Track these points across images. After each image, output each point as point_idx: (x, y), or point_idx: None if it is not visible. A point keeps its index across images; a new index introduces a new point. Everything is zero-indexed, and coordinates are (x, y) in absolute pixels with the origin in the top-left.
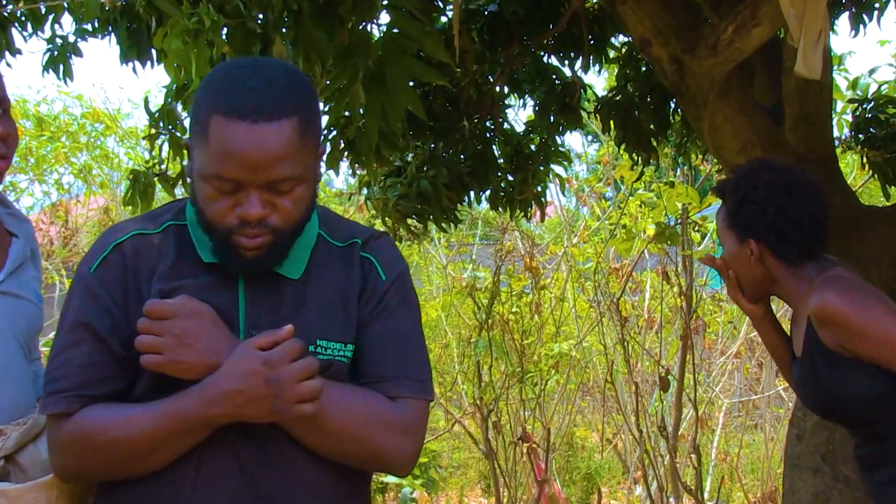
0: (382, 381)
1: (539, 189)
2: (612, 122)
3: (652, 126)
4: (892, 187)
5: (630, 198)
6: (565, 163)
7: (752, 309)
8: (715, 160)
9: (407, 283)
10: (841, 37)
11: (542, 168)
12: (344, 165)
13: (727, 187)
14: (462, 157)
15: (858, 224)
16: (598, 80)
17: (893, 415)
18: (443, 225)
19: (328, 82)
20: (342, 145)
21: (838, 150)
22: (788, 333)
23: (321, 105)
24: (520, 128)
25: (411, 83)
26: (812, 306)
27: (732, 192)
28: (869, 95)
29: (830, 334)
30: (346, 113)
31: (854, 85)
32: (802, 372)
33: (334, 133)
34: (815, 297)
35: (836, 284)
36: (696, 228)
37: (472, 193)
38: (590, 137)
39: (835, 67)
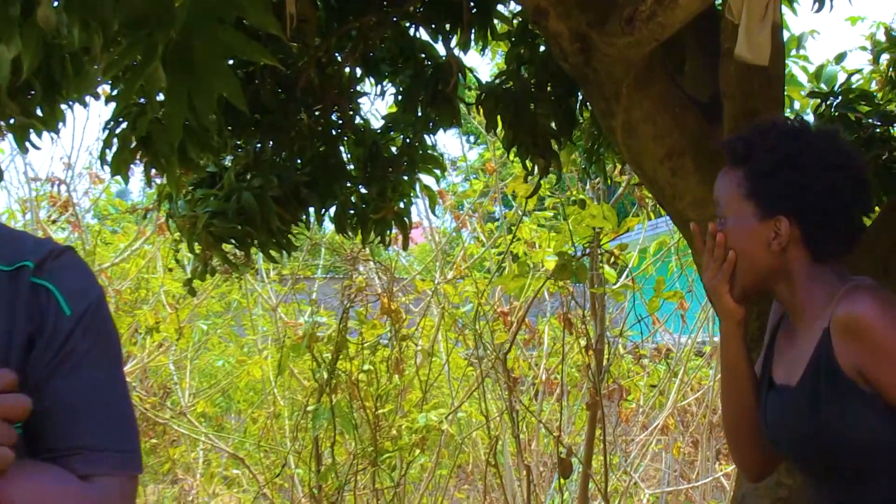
0: (71, 456)
1: (402, 206)
2: (499, 117)
3: (553, 124)
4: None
5: (524, 219)
6: (437, 171)
7: (733, 309)
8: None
9: (101, 316)
10: (800, 12)
11: (406, 178)
12: (137, 170)
13: (757, 141)
14: (299, 161)
15: None
16: (483, 63)
17: (890, 472)
18: (272, 252)
19: (115, 58)
20: (133, 143)
21: None
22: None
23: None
24: (377, 124)
25: (229, 62)
26: (839, 314)
27: (767, 151)
28: (836, 88)
29: (853, 353)
30: (141, 100)
31: (817, 75)
32: (795, 401)
33: (123, 127)
34: (845, 304)
35: (874, 294)
36: (612, 261)
37: (311, 211)
38: (471, 138)
39: (791, 52)
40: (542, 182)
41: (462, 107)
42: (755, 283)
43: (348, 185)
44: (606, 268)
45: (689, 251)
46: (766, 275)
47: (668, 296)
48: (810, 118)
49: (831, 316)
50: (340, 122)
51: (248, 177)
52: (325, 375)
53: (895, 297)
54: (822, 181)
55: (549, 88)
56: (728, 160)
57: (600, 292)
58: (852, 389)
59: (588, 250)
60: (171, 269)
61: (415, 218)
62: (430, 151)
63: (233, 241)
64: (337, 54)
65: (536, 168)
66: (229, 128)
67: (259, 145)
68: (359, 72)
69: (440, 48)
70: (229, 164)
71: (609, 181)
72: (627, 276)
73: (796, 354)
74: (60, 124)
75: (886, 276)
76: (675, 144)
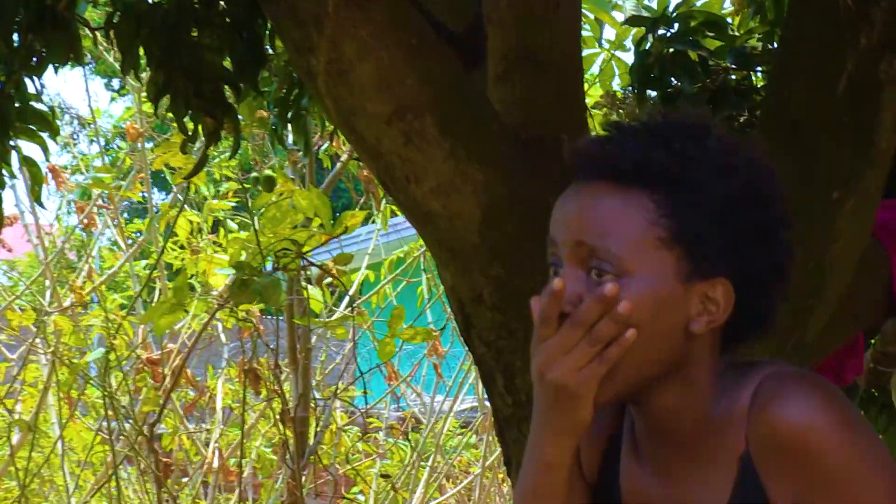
0: None
1: None
2: (142, 50)
3: (228, 63)
4: None
5: (185, 209)
6: (46, 134)
7: (585, 421)
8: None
9: None
10: None
11: None
12: None
13: (694, 154)
14: None
15: None
16: None
17: None
18: None
19: None
20: None
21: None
22: None
23: None
24: None
25: None
26: (769, 426)
27: (719, 174)
28: (669, 11)
29: (791, 484)
30: None
31: None
32: None
33: None
34: (774, 409)
35: (813, 391)
36: (324, 280)
37: None
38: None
39: None
40: (207, 154)
41: (87, 34)
42: (643, 383)
43: None
44: (314, 290)
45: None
46: (660, 367)
47: (408, 336)
48: (630, 57)
49: (749, 432)
50: None
51: None
52: None
53: (839, 391)
54: (776, 232)
55: (221, 5)
56: (616, 171)
57: (305, 323)
58: None
59: (279, 265)
60: None
61: (9, 209)
62: (34, 104)
63: None
64: None
65: (201, 130)
66: None
67: None
68: None
69: None
70: None
71: (319, 153)
72: (350, 304)
73: (691, 501)
74: None
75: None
76: (411, 97)
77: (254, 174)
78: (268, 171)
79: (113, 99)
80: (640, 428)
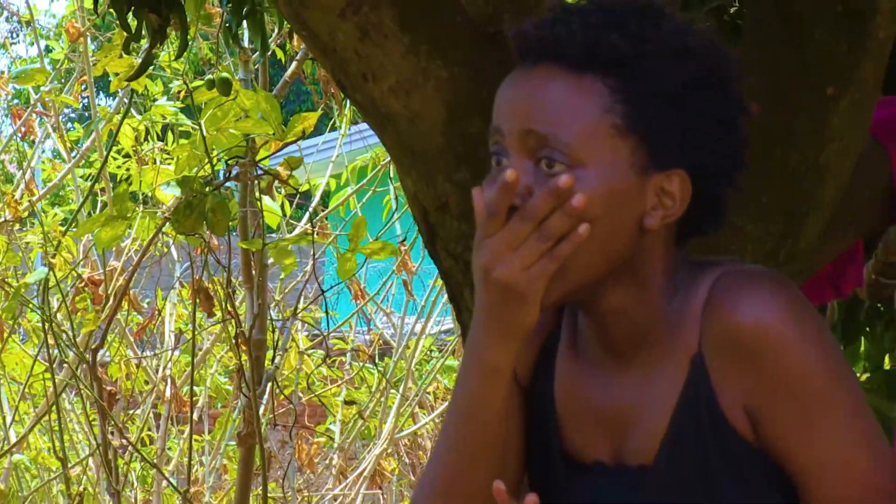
0: None
1: None
2: None
3: None
4: None
5: (130, 116)
6: None
7: (530, 324)
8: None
9: None
10: None
11: None
12: None
13: (649, 36)
14: None
15: None
16: None
17: None
18: None
19: None
20: None
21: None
22: None
23: None
24: None
25: None
26: (723, 323)
27: (675, 57)
28: None
29: (741, 383)
30: None
31: None
32: (661, 492)
33: None
34: (729, 306)
35: (772, 287)
36: (278, 188)
37: None
38: None
39: None
40: (153, 54)
41: None
42: (592, 282)
43: None
44: (269, 202)
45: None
46: (615, 268)
47: (372, 250)
48: None
49: (703, 331)
50: None
51: None
52: None
53: (801, 294)
54: (731, 113)
55: None
56: (567, 55)
57: (255, 248)
58: (743, 448)
59: (232, 173)
60: None
61: None
62: None
63: None
64: None
65: (145, 27)
66: None
67: None
68: None
69: None
70: None
71: (273, 52)
72: (311, 219)
73: (634, 407)
74: None
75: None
76: None
77: (207, 77)
78: (223, 73)
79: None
80: (585, 327)
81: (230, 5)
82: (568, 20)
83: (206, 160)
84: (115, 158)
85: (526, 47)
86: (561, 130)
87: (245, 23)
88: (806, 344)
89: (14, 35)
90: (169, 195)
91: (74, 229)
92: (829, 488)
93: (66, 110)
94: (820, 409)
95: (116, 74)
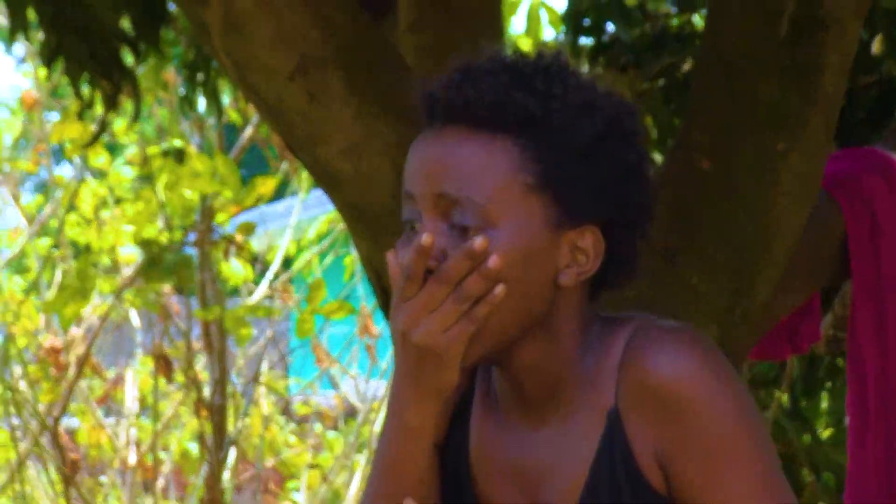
0: None
1: None
2: (33, 10)
3: (127, 18)
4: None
5: (87, 179)
6: None
7: (451, 384)
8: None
9: None
10: None
11: None
12: None
13: (557, 93)
14: None
15: None
16: None
17: None
18: None
19: None
20: None
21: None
22: None
23: None
24: None
25: None
26: (639, 375)
27: (583, 112)
28: None
29: (655, 433)
30: None
31: None
32: None
33: None
34: (645, 359)
35: (683, 341)
36: (235, 252)
37: None
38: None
39: None
40: (105, 120)
41: None
42: (508, 341)
43: None
44: (235, 264)
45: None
46: (531, 327)
47: (330, 310)
48: (561, 2)
49: (619, 385)
50: None
51: None
52: None
53: (717, 348)
54: (638, 163)
55: None
56: (476, 116)
57: (212, 317)
58: (657, 502)
59: (192, 237)
60: None
61: None
62: None
63: None
64: None
65: (99, 95)
66: None
67: None
68: None
69: None
70: None
71: (229, 118)
72: (272, 283)
73: (550, 463)
74: None
75: (669, 265)
76: (313, 50)
77: (164, 145)
78: (175, 141)
79: (18, 65)
80: (500, 383)
81: (185, 73)
82: (475, 80)
83: (162, 219)
84: (78, 225)
85: (434, 109)
86: (473, 192)
87: (200, 90)
88: (720, 398)
89: None
90: (131, 256)
91: (37, 298)
92: None
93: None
94: (726, 460)
95: (73, 140)
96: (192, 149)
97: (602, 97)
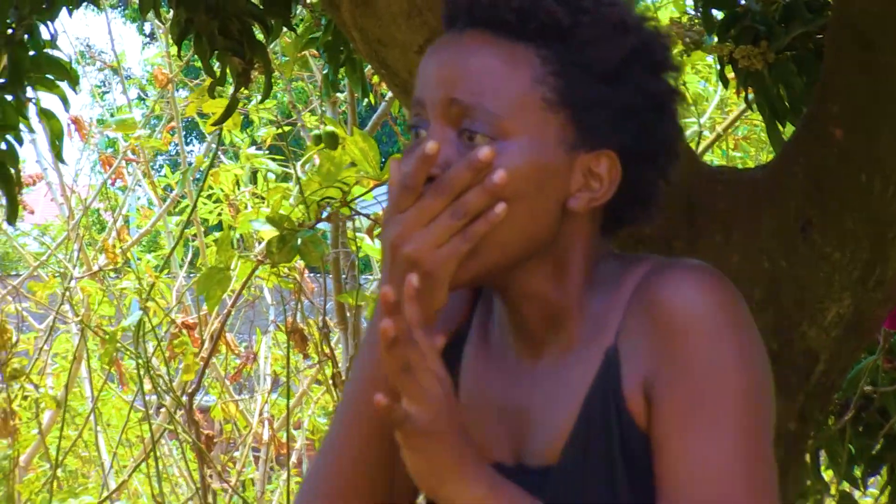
0: None
1: (5, 147)
2: None
3: None
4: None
5: (224, 163)
6: (65, 84)
7: (431, 317)
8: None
9: None
10: None
11: (10, 98)
12: None
13: (588, 6)
14: None
15: (693, 207)
16: None
17: None
18: None
19: None
20: None
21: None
22: None
23: None
24: None
25: None
26: (648, 301)
27: (613, 30)
28: None
29: (649, 359)
30: None
31: None
32: (560, 493)
33: None
34: (656, 287)
35: (703, 276)
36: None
37: None
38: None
39: None
40: (237, 97)
41: None
42: (509, 264)
43: None
44: (368, 241)
45: None
46: (535, 251)
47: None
48: None
49: (624, 321)
50: None
51: None
52: None
53: (738, 292)
54: (665, 97)
55: None
56: (500, 20)
57: (351, 301)
58: (641, 444)
59: (331, 212)
60: None
61: (31, 168)
62: (49, 51)
63: None
64: None
65: (230, 71)
66: None
67: None
68: None
69: None
70: None
71: (370, 95)
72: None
73: (540, 404)
74: None
75: (804, 236)
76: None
77: (314, 132)
78: (329, 127)
79: (145, 45)
80: (499, 313)
81: (326, 54)
82: None
83: (300, 202)
84: (204, 204)
85: (456, 11)
86: (487, 101)
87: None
88: (722, 332)
89: (106, 84)
90: (266, 232)
91: (168, 275)
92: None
93: (157, 158)
94: (709, 401)
95: (206, 118)
96: (339, 128)
97: (636, 21)
